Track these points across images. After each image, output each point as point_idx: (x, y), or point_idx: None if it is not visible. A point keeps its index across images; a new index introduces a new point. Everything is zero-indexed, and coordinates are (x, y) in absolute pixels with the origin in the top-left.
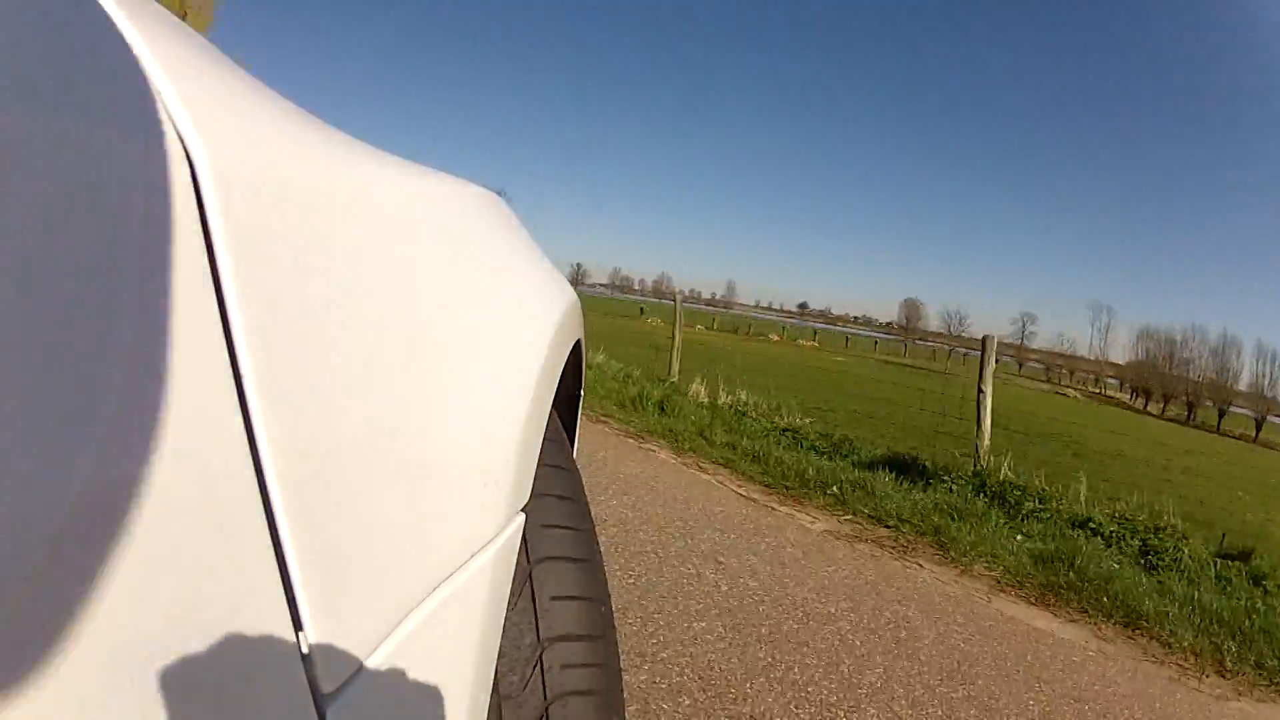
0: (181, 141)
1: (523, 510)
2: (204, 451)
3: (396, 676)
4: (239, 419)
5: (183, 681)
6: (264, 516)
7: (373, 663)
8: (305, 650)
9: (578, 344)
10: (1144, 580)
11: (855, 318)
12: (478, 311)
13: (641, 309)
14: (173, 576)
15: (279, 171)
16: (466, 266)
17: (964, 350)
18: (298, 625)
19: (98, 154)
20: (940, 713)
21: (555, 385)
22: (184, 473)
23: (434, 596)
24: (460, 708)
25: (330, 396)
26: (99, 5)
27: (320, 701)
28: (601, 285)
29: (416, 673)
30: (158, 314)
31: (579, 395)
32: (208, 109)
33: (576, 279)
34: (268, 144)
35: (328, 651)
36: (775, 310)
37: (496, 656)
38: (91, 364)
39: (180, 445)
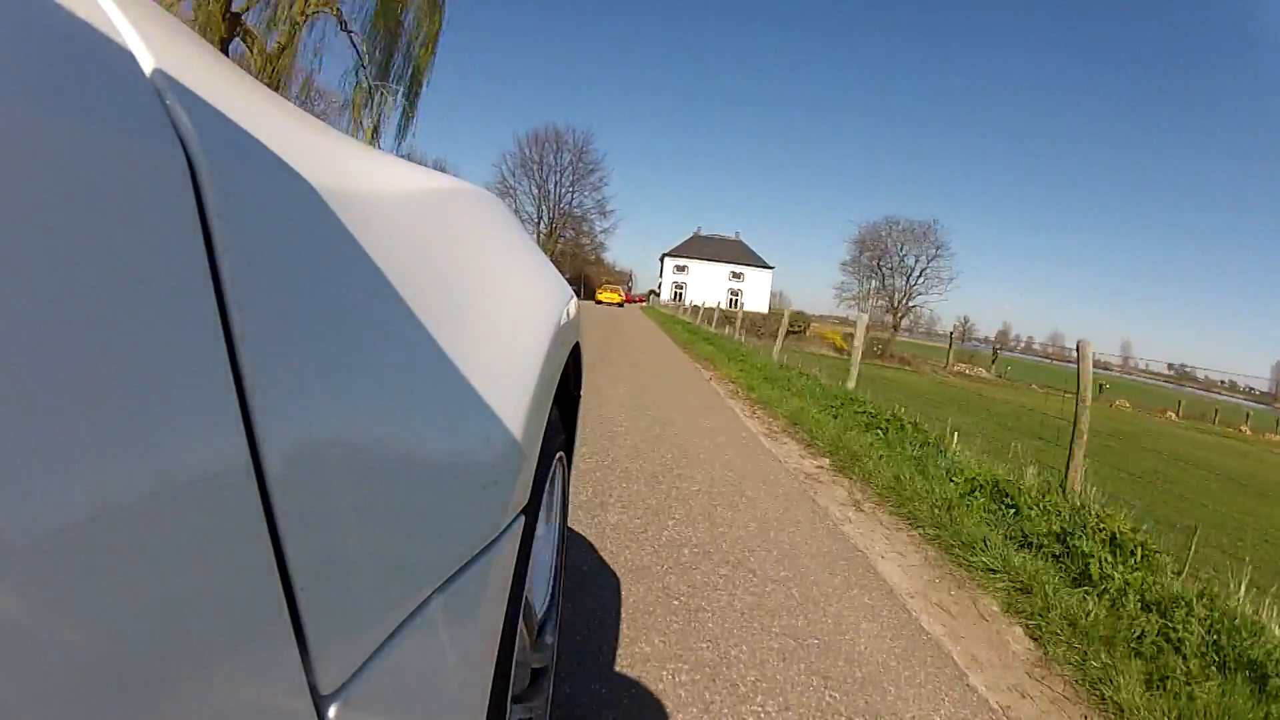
0: (181, 141)
1: (523, 511)
2: (204, 451)
3: (396, 676)
4: (239, 419)
5: (183, 681)
6: (264, 517)
7: (373, 663)
8: (305, 650)
9: (576, 346)
10: None
11: (1221, 382)
12: (478, 312)
13: (1102, 386)
14: (173, 576)
15: (279, 171)
16: (466, 267)
17: None
18: (298, 625)
19: (98, 154)
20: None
21: (555, 387)
22: (184, 473)
23: (434, 597)
24: (460, 707)
25: (330, 396)
26: (99, 5)
27: (320, 701)
28: (977, 340)
29: (416, 672)
30: (158, 314)
31: (578, 397)
32: (208, 109)
33: (963, 334)
34: (268, 144)
35: (328, 651)
36: (1145, 372)
37: (497, 655)
38: (91, 364)
39: (180, 445)
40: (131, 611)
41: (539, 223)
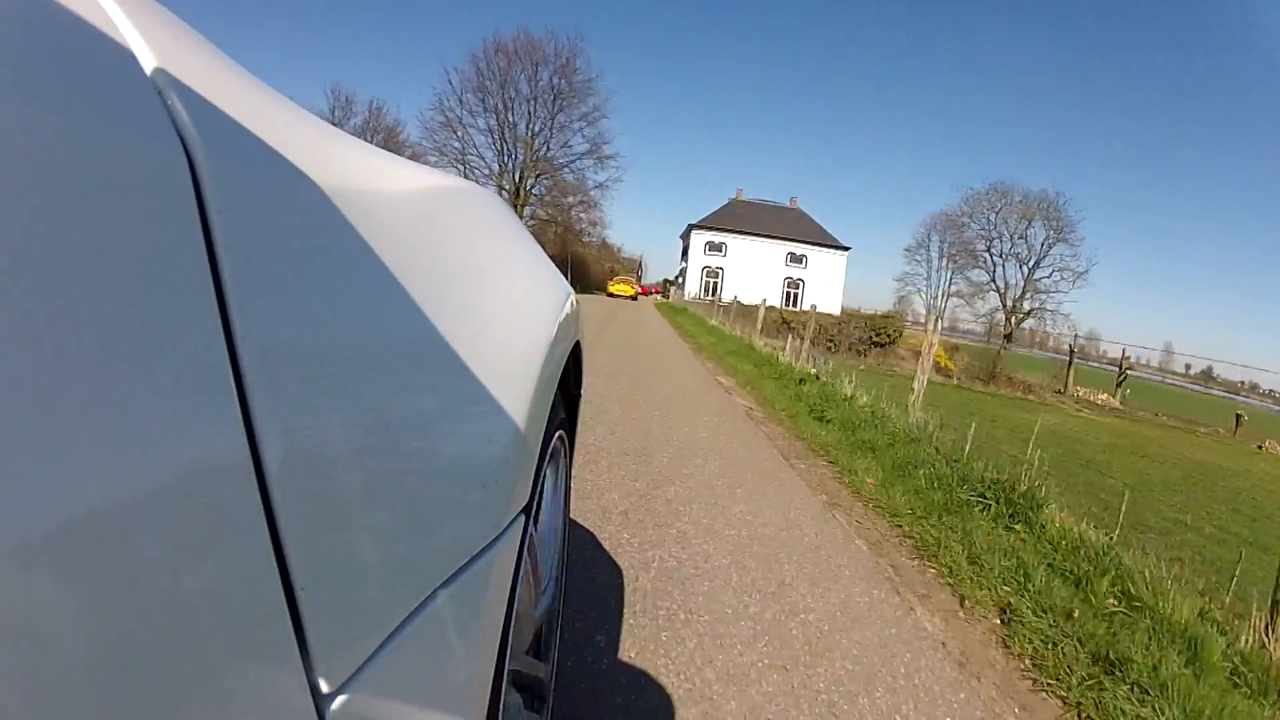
0: (182, 140)
1: (523, 511)
2: (204, 451)
3: (396, 676)
4: (239, 419)
5: (183, 681)
6: (264, 516)
7: (373, 663)
8: (305, 650)
9: (577, 345)
10: None
11: (1241, 383)
12: (478, 311)
13: (1239, 417)
14: (173, 577)
15: (279, 171)
16: (466, 267)
17: None
18: (298, 625)
19: (98, 152)
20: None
21: (556, 386)
22: (184, 473)
23: (434, 597)
24: (460, 707)
25: (331, 397)
26: (99, 5)
27: (320, 701)
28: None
29: (416, 672)
30: (158, 313)
31: (578, 396)
32: (208, 107)
33: (989, 329)
34: (268, 142)
35: (328, 651)
36: (1183, 375)
37: (496, 656)
38: (92, 363)
39: (180, 444)
40: (131, 610)
41: (500, 176)
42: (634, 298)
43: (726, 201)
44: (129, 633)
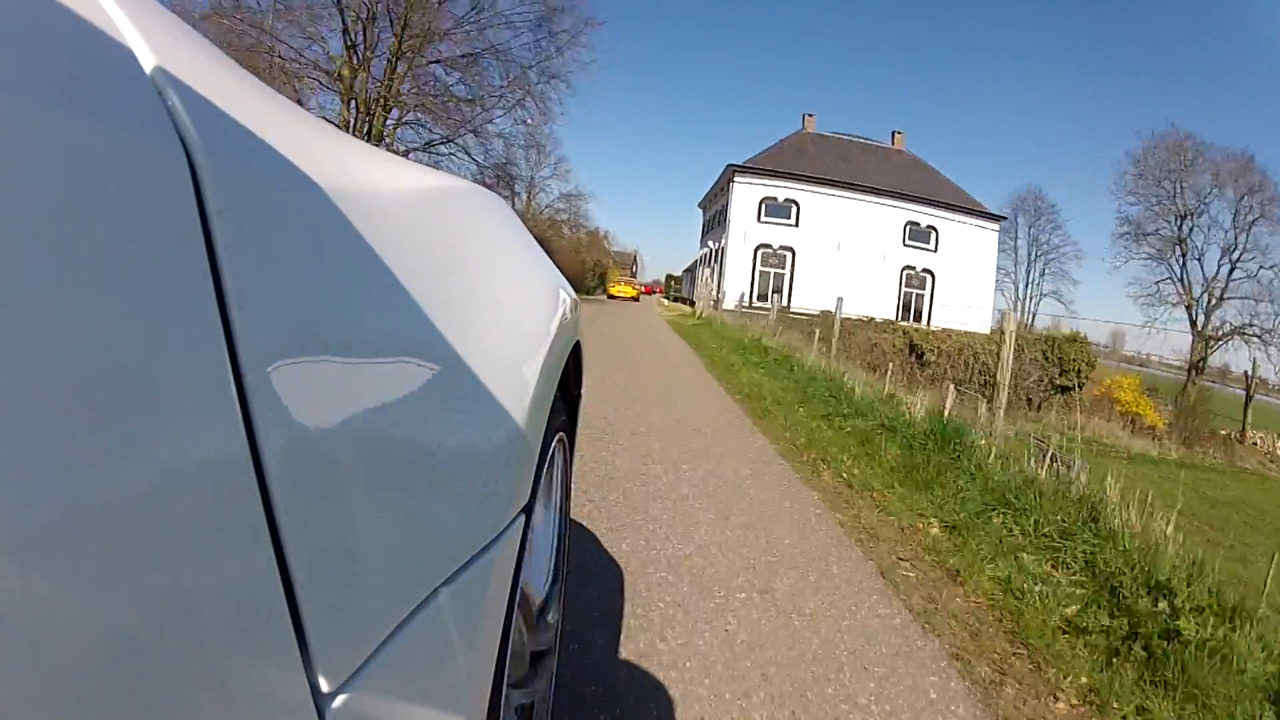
0: (181, 139)
1: (523, 510)
2: (204, 450)
3: (396, 676)
4: (239, 418)
5: (183, 681)
6: (264, 516)
7: (372, 663)
8: (305, 649)
9: (577, 345)
10: None
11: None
12: (478, 312)
13: None
14: (173, 576)
15: (279, 169)
16: (467, 267)
17: None
18: (298, 624)
19: (97, 152)
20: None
21: (556, 386)
22: (184, 472)
23: (435, 596)
24: (460, 707)
25: (331, 396)
26: (99, 5)
27: (320, 701)
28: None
29: (416, 672)
30: (158, 313)
31: (578, 396)
32: (208, 107)
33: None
34: (268, 142)
35: (328, 650)
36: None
37: (496, 655)
38: (91, 363)
39: (180, 444)
40: (132, 609)
41: (350, 65)
42: (636, 298)
43: (791, 135)
44: (129, 632)
